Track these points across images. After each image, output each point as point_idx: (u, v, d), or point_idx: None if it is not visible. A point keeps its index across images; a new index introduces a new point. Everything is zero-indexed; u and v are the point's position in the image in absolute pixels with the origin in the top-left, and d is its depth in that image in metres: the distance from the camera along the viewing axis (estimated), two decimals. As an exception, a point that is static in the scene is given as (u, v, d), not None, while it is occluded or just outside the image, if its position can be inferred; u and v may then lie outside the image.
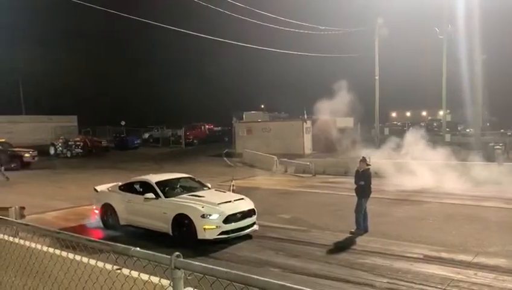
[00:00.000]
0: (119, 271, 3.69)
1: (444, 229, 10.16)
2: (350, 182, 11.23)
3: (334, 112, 25.77)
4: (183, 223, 9.38)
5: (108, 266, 3.78)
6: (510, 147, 23.33)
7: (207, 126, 46.94)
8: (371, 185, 10.37)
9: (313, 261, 8.16)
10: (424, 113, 61.25)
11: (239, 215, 9.52)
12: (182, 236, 9.38)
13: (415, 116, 58.70)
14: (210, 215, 9.25)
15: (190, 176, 11.75)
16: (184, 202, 9.74)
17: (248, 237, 9.69)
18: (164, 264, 2.84)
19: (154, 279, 3.38)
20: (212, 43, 27.80)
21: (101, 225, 11.05)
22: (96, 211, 11.26)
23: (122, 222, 10.62)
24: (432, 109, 36.84)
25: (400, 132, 18.88)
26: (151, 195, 10.10)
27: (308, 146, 30.54)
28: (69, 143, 33.57)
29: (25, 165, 25.22)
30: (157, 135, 45.47)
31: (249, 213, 9.76)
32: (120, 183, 11.30)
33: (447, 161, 16.79)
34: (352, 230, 10.04)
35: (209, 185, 11.17)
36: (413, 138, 17.84)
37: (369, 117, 31.15)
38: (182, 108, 51.07)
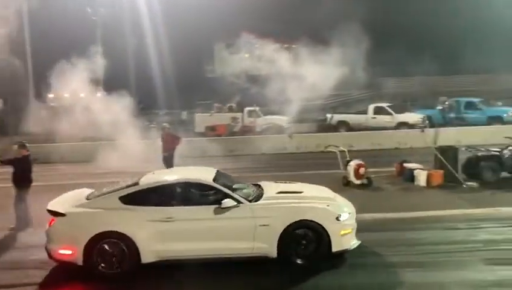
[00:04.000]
0: None
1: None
2: (7, 171, 9.81)
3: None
4: (300, 235, 6.40)
5: None
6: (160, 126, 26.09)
7: None
8: (31, 173, 9.40)
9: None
10: (83, 95, 60.77)
11: None
12: (304, 254, 6.40)
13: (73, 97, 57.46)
14: (340, 215, 6.59)
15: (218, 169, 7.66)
16: (293, 203, 6.66)
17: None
18: None
19: None
20: None
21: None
22: (68, 252, 6.29)
23: (147, 259, 6.30)
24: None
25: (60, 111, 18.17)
26: (230, 202, 6.40)
27: None
28: None
29: None
30: None
31: None
32: (115, 193, 6.65)
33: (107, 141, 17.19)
34: (13, 226, 8.88)
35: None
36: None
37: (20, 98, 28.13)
38: None
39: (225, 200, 6.44)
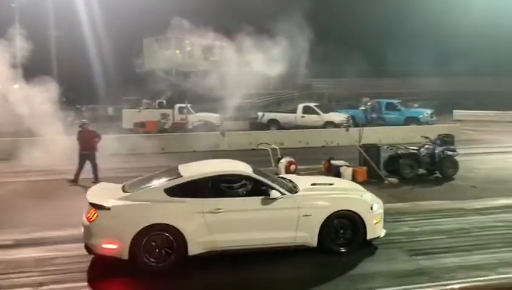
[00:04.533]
0: None
1: (32, 208, 9.72)
2: None
3: None
4: (339, 224, 6.85)
5: None
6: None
7: None
8: None
9: None
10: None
11: None
12: (342, 242, 6.87)
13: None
14: (373, 205, 7.09)
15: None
16: (332, 194, 7.12)
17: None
18: None
19: None
20: None
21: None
22: (112, 247, 6.14)
23: (194, 251, 6.36)
24: None
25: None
26: (277, 193, 6.67)
27: None
28: None
29: None
30: None
31: None
32: (159, 185, 6.64)
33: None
34: None
35: None
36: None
37: None
38: None
39: (272, 191, 6.65)
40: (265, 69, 19.41)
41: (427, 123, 24.89)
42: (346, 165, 12.48)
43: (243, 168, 7.25)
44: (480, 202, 9.79)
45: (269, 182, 6.85)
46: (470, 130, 23.46)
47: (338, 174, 12.30)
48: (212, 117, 24.88)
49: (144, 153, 16.61)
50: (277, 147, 13.08)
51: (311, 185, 7.41)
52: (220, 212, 6.42)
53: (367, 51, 39.44)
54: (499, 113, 31.52)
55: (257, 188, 6.80)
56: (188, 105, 25.88)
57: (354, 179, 11.86)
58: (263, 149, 13.22)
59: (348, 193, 7.36)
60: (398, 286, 5.87)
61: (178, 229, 6.23)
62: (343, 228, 6.88)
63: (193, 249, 6.33)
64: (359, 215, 6.85)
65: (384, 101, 27.82)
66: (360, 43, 38.96)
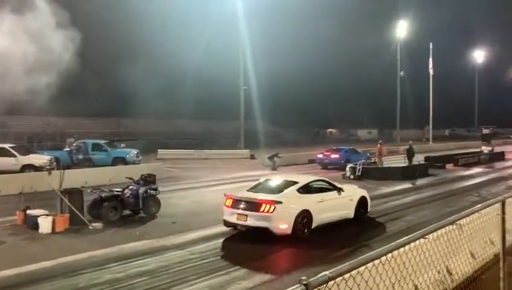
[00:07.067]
0: None
1: None
2: None
3: None
4: (360, 203, 12.09)
5: None
6: None
7: None
8: None
9: None
10: None
11: None
12: (361, 214, 12.13)
13: None
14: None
15: None
16: (357, 188, 13.11)
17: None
18: None
19: None
20: None
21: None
22: (285, 227, 10.07)
23: (314, 225, 10.63)
24: None
25: None
26: (341, 189, 11.72)
27: None
28: None
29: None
30: None
31: None
32: (292, 187, 10.82)
33: None
34: None
35: None
36: None
37: None
38: None
39: (342, 187, 11.98)
40: None
41: (133, 163, 25.45)
42: (46, 214, 11.28)
43: (314, 177, 12.85)
44: (179, 237, 10.51)
45: (334, 183, 11.89)
46: (172, 168, 25.43)
47: (36, 226, 10.97)
48: None
49: None
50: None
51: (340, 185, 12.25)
52: (323, 201, 10.93)
53: (80, 90, 38.10)
54: (196, 151, 35.60)
55: (329, 187, 11.66)
56: None
57: (54, 228, 10.85)
58: None
59: (358, 188, 13.04)
60: None
61: (310, 212, 10.40)
62: (362, 205, 12.19)
63: (314, 224, 10.51)
64: (366, 199, 12.42)
65: (90, 141, 27.06)
66: (75, 83, 37.08)
